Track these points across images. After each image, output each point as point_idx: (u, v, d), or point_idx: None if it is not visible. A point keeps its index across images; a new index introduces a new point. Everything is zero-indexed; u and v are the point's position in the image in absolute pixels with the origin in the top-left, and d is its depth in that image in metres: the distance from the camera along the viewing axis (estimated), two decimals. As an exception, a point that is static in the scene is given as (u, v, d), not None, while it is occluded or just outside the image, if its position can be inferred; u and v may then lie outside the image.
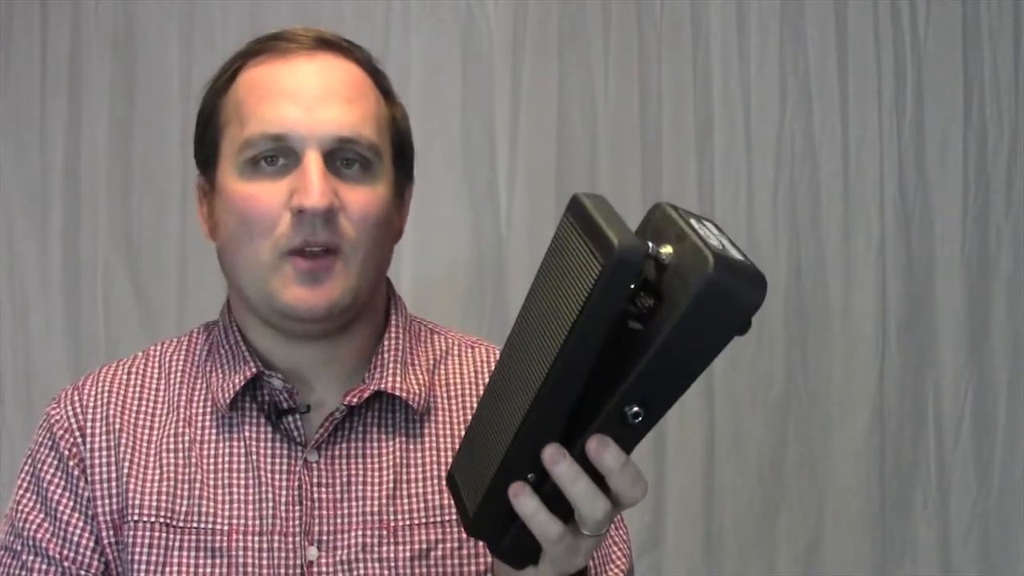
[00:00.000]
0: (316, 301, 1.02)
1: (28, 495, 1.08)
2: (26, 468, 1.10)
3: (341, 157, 1.03)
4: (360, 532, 1.04)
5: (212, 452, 1.06)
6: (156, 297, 2.03)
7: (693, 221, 0.79)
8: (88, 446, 1.07)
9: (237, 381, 1.06)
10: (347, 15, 2.03)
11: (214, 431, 1.07)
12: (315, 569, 1.03)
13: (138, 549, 1.03)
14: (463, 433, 1.07)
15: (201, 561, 1.03)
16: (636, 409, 0.78)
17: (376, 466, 1.06)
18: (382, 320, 1.13)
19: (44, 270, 2.02)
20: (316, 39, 1.07)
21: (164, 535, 1.03)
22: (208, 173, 1.09)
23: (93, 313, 2.02)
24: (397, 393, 1.07)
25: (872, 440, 2.11)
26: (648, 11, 2.09)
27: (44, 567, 1.05)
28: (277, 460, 1.05)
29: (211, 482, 1.05)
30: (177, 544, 1.03)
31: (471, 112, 2.06)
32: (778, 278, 2.08)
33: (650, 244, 0.77)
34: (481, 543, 1.05)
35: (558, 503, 0.83)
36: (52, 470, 1.07)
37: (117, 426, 1.08)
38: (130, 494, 1.05)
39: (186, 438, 1.07)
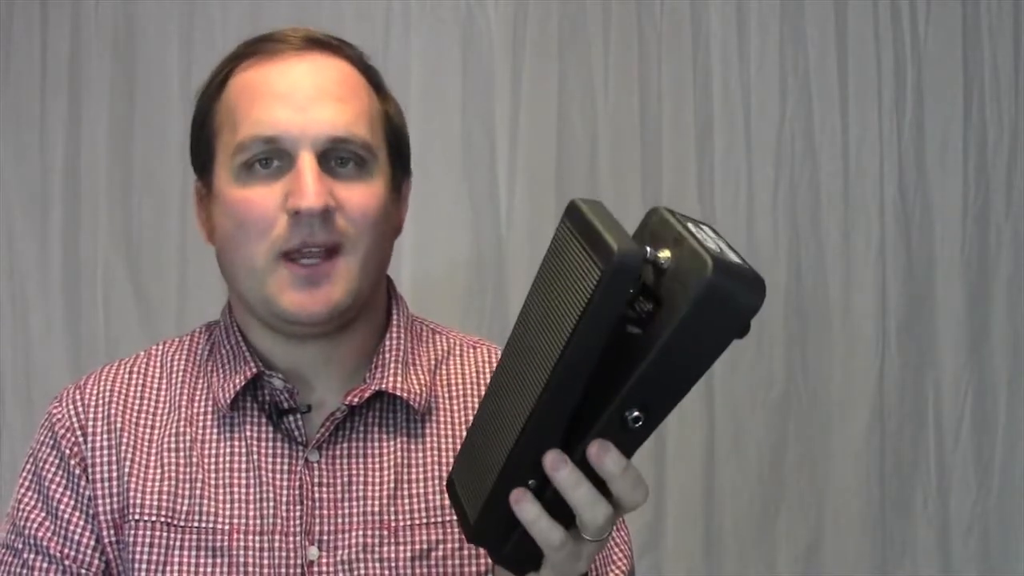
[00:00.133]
0: (315, 306, 1.02)
1: (30, 494, 1.08)
2: (28, 467, 1.10)
3: (335, 156, 1.03)
4: (361, 532, 1.04)
5: (213, 452, 1.06)
6: (156, 297, 2.03)
7: (690, 225, 0.79)
8: (89, 445, 1.07)
9: (238, 381, 1.06)
10: (347, 15, 2.03)
11: (215, 431, 1.07)
12: (316, 569, 1.03)
13: (139, 548, 1.03)
14: (464, 433, 1.08)
15: (202, 560, 1.03)
16: (636, 413, 0.78)
17: (377, 466, 1.06)
18: (383, 319, 1.13)
19: (44, 270, 2.02)
20: (306, 39, 1.07)
21: (165, 534, 1.03)
22: (205, 178, 1.09)
23: (93, 313, 2.02)
24: (398, 393, 1.07)
25: (872, 440, 2.11)
26: (648, 11, 2.09)
27: (45, 565, 1.05)
28: (278, 460, 1.06)
29: (212, 482, 1.05)
30: (178, 543, 1.03)
31: (471, 112, 2.06)
32: (778, 278, 2.08)
33: (648, 248, 0.77)
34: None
35: (559, 509, 0.83)
36: (54, 469, 1.07)
37: (119, 425, 1.08)
38: (131, 493, 1.05)
39: (187, 437, 1.07)
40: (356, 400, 1.05)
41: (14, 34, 2.03)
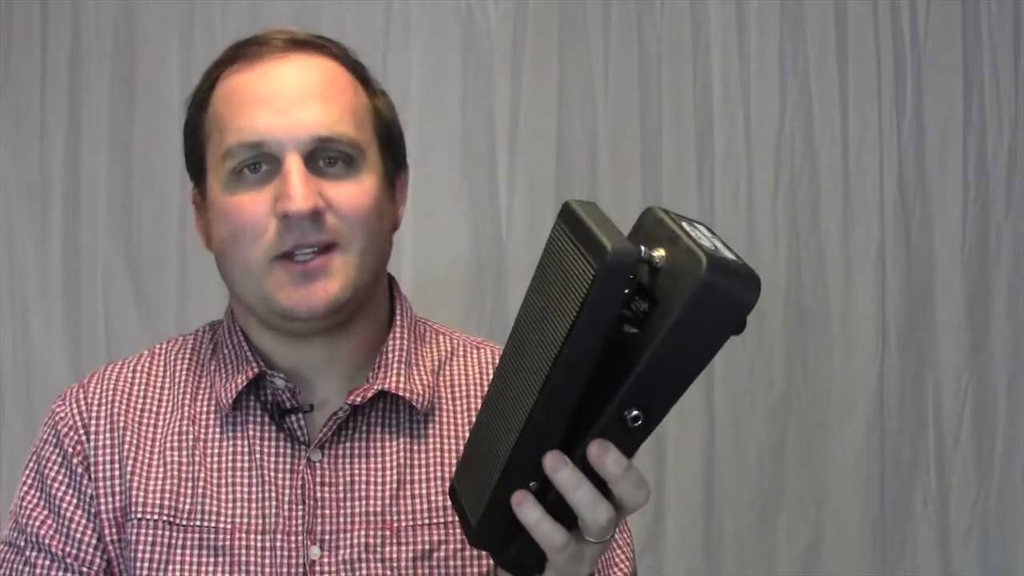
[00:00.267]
0: (313, 300, 1.02)
1: (32, 492, 1.08)
2: (31, 465, 1.10)
3: (323, 156, 1.03)
4: (363, 532, 1.04)
5: (216, 451, 1.06)
6: (156, 297, 2.03)
7: (685, 224, 0.79)
8: (92, 444, 1.07)
9: (239, 382, 1.06)
10: (347, 15, 2.03)
11: (218, 430, 1.07)
12: (317, 568, 1.03)
13: (141, 547, 1.04)
14: (467, 434, 1.08)
15: (204, 559, 1.03)
16: (636, 413, 0.78)
17: (379, 466, 1.06)
18: (385, 318, 1.13)
19: (44, 270, 2.02)
20: (288, 40, 1.07)
21: (167, 533, 1.04)
22: (199, 186, 1.10)
23: (93, 313, 2.02)
24: (400, 393, 1.07)
25: (872, 440, 2.11)
26: (648, 11, 2.09)
27: (47, 563, 1.05)
28: (280, 459, 1.06)
29: (214, 480, 1.05)
30: (180, 542, 1.03)
31: (471, 112, 2.06)
32: (778, 278, 2.08)
33: (643, 248, 0.77)
34: (484, 545, 1.05)
35: (561, 511, 0.82)
36: (56, 467, 1.08)
37: (121, 424, 1.08)
38: (134, 492, 1.05)
39: (190, 436, 1.07)
40: (359, 400, 1.05)
41: (14, 34, 2.03)
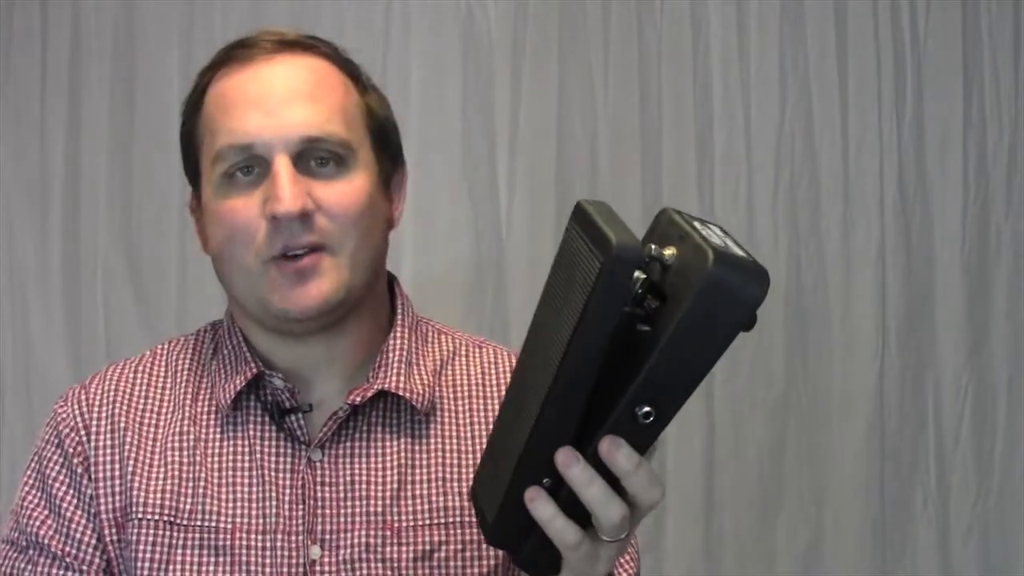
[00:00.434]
0: (307, 300, 1.02)
1: (33, 492, 1.09)
2: (32, 466, 1.11)
3: (313, 156, 1.03)
4: (363, 532, 1.04)
5: (216, 451, 1.06)
6: (156, 297, 2.03)
7: (697, 223, 0.80)
8: (92, 444, 1.08)
9: (238, 382, 1.07)
10: (347, 15, 2.03)
11: (218, 430, 1.07)
12: (318, 568, 1.03)
13: (142, 546, 1.04)
14: (470, 434, 1.08)
15: (204, 559, 1.03)
16: (647, 409, 0.79)
17: (380, 466, 1.06)
18: (386, 317, 1.13)
19: (44, 270, 2.02)
20: (277, 42, 1.07)
21: (168, 533, 1.04)
22: (196, 189, 1.10)
23: (93, 313, 2.02)
24: (401, 393, 1.07)
25: (872, 440, 2.11)
26: (648, 11, 2.09)
27: (47, 562, 1.05)
28: (280, 459, 1.06)
29: (215, 481, 1.05)
30: (181, 542, 1.03)
31: (471, 112, 2.06)
32: (778, 278, 2.08)
33: (652, 246, 0.78)
34: (484, 545, 1.05)
35: (575, 509, 0.83)
36: (57, 468, 1.08)
37: (122, 424, 1.08)
38: (134, 492, 1.05)
39: (191, 437, 1.07)
40: (359, 399, 1.05)
41: (14, 34, 2.03)
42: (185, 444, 1.07)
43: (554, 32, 2.07)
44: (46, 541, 1.06)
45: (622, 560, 1.11)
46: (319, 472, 1.05)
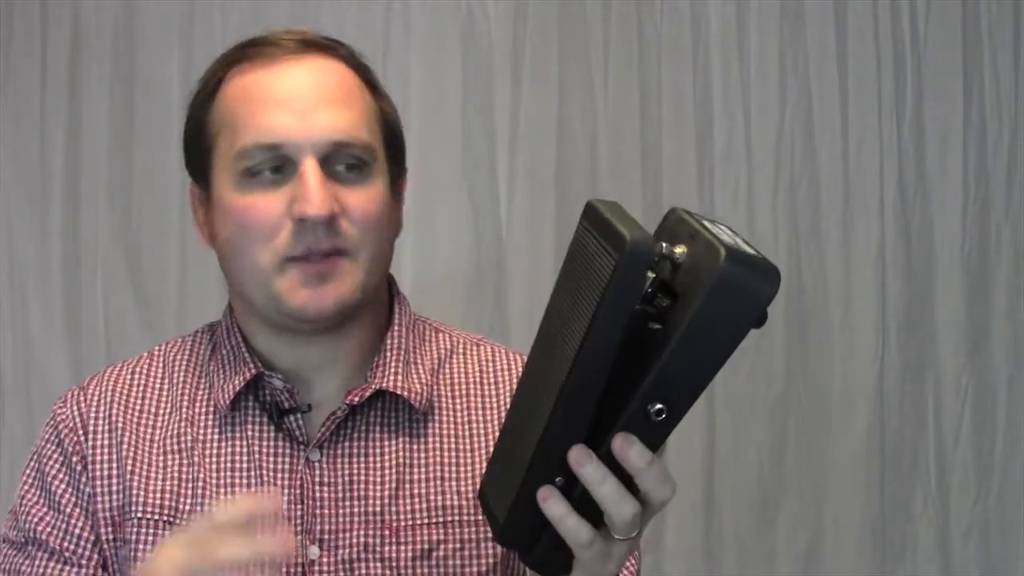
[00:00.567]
0: (324, 301, 1.02)
1: (33, 490, 1.09)
2: (32, 464, 1.11)
3: (338, 161, 1.03)
4: (362, 531, 1.04)
5: (215, 451, 1.06)
6: (156, 297, 2.03)
7: (706, 222, 0.80)
8: (90, 444, 1.08)
9: (237, 382, 1.07)
10: (347, 15, 2.03)
11: (216, 430, 1.07)
12: (316, 568, 1.03)
13: (140, 546, 1.04)
14: (468, 432, 1.08)
15: (203, 559, 1.03)
16: (659, 407, 0.79)
17: (378, 465, 1.06)
18: (384, 317, 1.13)
19: (44, 270, 2.02)
20: (300, 41, 1.07)
21: (167, 532, 1.04)
22: (202, 183, 1.09)
23: (93, 313, 2.02)
24: (399, 392, 1.07)
25: (872, 440, 2.11)
26: (648, 11, 2.09)
27: (45, 556, 1.06)
28: (279, 459, 1.06)
29: (214, 481, 1.05)
30: (180, 541, 1.04)
31: (471, 112, 2.06)
32: (778, 278, 2.08)
33: (663, 244, 0.79)
34: (482, 543, 1.05)
35: (588, 507, 0.83)
36: (57, 466, 1.08)
37: (120, 425, 1.09)
38: (133, 492, 1.05)
39: (188, 437, 1.08)
40: (357, 399, 1.05)
41: (14, 34, 2.03)
42: (183, 445, 1.07)
43: (554, 32, 2.07)
44: (44, 536, 1.06)
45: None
46: (317, 472, 1.05)
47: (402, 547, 1.04)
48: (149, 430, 1.09)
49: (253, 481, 1.05)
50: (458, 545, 1.05)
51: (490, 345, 1.17)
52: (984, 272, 2.14)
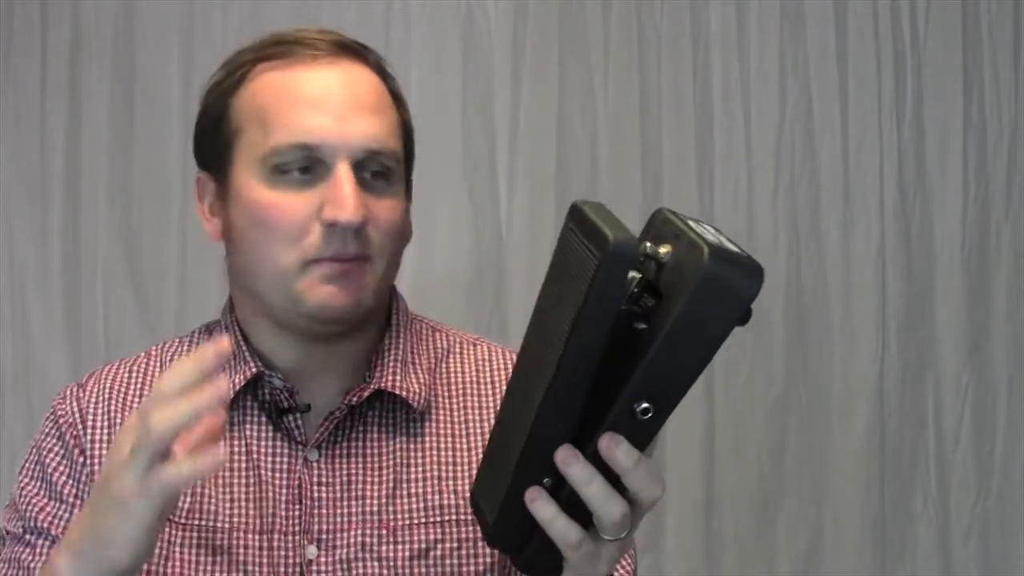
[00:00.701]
0: (345, 301, 1.02)
1: (33, 482, 1.09)
2: (31, 458, 1.11)
3: (368, 168, 1.03)
4: (359, 531, 1.04)
5: (213, 450, 1.06)
6: (156, 297, 2.03)
7: (691, 222, 0.80)
8: (90, 438, 1.08)
9: (237, 381, 1.07)
10: (347, 15, 2.03)
11: (215, 429, 1.07)
12: (314, 568, 1.03)
13: None
14: (465, 432, 1.09)
15: (202, 558, 1.03)
16: (645, 405, 0.79)
17: (376, 465, 1.06)
18: (383, 317, 1.13)
19: (44, 270, 2.02)
20: (335, 43, 1.06)
21: (166, 531, 1.04)
22: (218, 174, 1.08)
23: (93, 313, 2.02)
24: (398, 392, 1.07)
25: (872, 440, 2.11)
26: (648, 11, 2.09)
27: (46, 544, 1.05)
28: (277, 459, 1.06)
29: (212, 480, 1.05)
30: (178, 540, 1.04)
31: (471, 112, 2.06)
32: (778, 278, 2.08)
33: (648, 244, 0.79)
34: (480, 543, 1.05)
35: (576, 508, 0.83)
36: (58, 459, 1.09)
37: (118, 422, 1.09)
38: None
39: (186, 436, 1.07)
40: (356, 399, 1.05)
41: (14, 34, 2.03)
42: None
43: (554, 32, 2.07)
44: (45, 525, 1.06)
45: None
46: (316, 472, 1.05)
47: (400, 546, 1.04)
48: (147, 428, 1.09)
49: (251, 481, 1.05)
50: (455, 544, 1.05)
51: (486, 344, 1.17)
52: (984, 272, 2.14)
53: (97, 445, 1.08)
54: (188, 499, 1.05)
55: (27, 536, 1.07)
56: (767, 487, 2.10)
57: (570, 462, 0.81)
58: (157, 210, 2.02)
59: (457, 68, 2.06)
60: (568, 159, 2.07)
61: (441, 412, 1.10)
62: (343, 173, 1.01)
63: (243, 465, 1.06)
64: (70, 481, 1.08)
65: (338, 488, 1.05)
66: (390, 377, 1.07)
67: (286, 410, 1.07)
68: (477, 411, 1.11)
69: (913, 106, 2.13)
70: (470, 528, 1.05)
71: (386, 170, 1.04)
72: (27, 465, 1.11)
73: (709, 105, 2.11)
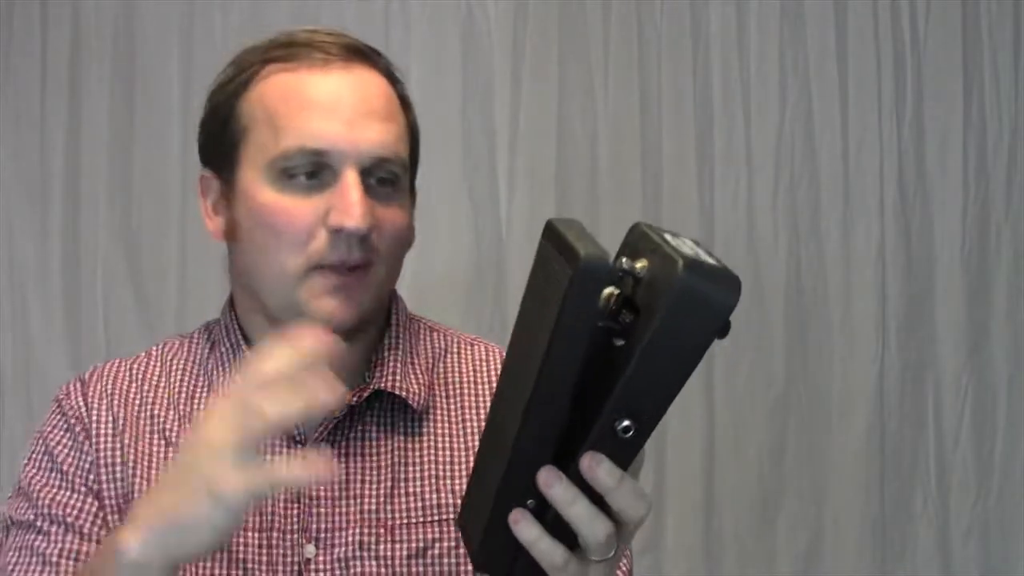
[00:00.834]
0: (346, 313, 1.02)
1: (40, 472, 1.08)
2: (37, 448, 1.10)
3: (375, 175, 1.03)
4: (357, 530, 1.04)
5: (212, 450, 1.06)
6: (156, 297, 2.03)
7: (668, 235, 0.79)
8: (95, 431, 1.08)
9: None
10: (347, 14, 2.03)
11: (215, 428, 1.07)
12: (312, 566, 1.03)
13: None
14: (462, 431, 1.09)
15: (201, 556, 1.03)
16: (627, 423, 0.78)
17: (375, 465, 1.06)
18: (382, 317, 1.13)
19: (44, 270, 2.02)
20: (346, 47, 1.06)
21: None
22: (223, 173, 1.07)
23: (93, 313, 2.02)
24: (397, 392, 1.07)
25: (872, 440, 2.11)
26: (648, 11, 2.09)
27: (62, 532, 1.05)
28: (276, 458, 1.06)
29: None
30: (178, 540, 1.03)
31: (471, 112, 2.06)
32: (778, 278, 2.08)
33: (624, 259, 0.78)
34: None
35: (561, 529, 0.82)
36: (66, 449, 1.08)
37: (121, 418, 1.09)
38: (135, 485, 1.06)
39: (186, 436, 1.07)
40: (355, 399, 1.05)
41: (14, 34, 2.03)
42: (182, 441, 1.07)
43: (554, 32, 2.07)
44: (58, 511, 1.05)
45: (617, 562, 1.11)
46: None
47: (397, 545, 1.04)
48: (147, 426, 1.08)
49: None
50: (453, 543, 1.05)
51: (483, 344, 1.17)
52: (984, 272, 2.14)
53: (103, 439, 1.08)
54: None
55: (39, 523, 1.06)
56: (767, 487, 2.10)
57: (552, 483, 0.80)
58: (157, 210, 2.03)
59: (457, 68, 2.06)
60: (568, 159, 2.07)
61: (439, 412, 1.10)
62: (351, 180, 1.00)
63: (242, 464, 1.06)
64: (80, 471, 1.07)
65: (336, 487, 1.05)
66: (390, 377, 1.08)
67: (285, 409, 1.06)
68: (475, 410, 1.11)
69: (913, 106, 2.13)
70: (468, 527, 1.05)
71: (393, 177, 1.04)
72: (33, 456, 1.10)
73: (709, 105, 2.11)
